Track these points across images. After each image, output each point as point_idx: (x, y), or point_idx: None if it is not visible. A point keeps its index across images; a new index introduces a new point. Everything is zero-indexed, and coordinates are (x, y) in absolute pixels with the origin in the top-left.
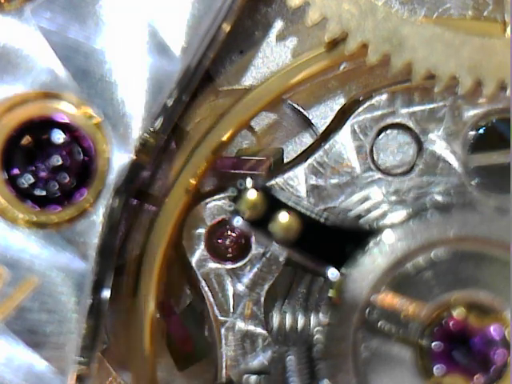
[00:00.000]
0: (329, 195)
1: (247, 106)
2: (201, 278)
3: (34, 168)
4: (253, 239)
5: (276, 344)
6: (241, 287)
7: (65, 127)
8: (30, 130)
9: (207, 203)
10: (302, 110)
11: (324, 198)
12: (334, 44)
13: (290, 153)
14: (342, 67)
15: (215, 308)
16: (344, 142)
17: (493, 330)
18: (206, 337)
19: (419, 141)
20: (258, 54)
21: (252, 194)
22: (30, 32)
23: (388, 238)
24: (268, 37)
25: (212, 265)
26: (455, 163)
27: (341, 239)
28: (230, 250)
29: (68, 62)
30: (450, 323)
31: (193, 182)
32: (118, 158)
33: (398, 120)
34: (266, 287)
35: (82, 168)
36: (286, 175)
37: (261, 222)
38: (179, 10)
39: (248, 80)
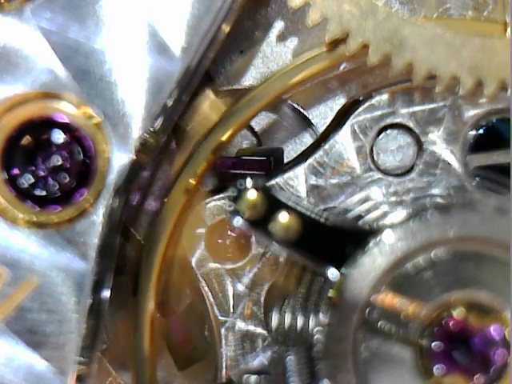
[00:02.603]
0: (329, 195)
1: (247, 106)
2: (201, 278)
3: (33, 168)
4: (253, 239)
5: (276, 344)
6: (241, 287)
7: (65, 127)
8: (30, 129)
9: (207, 203)
10: (302, 110)
11: (324, 198)
12: (335, 44)
13: (290, 153)
14: (342, 67)
15: (215, 308)
16: (344, 142)
17: (493, 329)
18: (206, 337)
19: (419, 141)
20: (258, 53)
21: (252, 194)
22: (30, 32)
23: (388, 237)
24: (268, 37)
25: (212, 265)
26: (455, 163)
27: (341, 239)
28: (229, 249)
29: (68, 61)
30: (450, 323)
31: (193, 181)
32: (118, 158)
33: (398, 120)
34: (266, 287)
35: (82, 168)
36: (286, 175)
37: (261, 221)
38: (179, 10)
39: (248, 80)
